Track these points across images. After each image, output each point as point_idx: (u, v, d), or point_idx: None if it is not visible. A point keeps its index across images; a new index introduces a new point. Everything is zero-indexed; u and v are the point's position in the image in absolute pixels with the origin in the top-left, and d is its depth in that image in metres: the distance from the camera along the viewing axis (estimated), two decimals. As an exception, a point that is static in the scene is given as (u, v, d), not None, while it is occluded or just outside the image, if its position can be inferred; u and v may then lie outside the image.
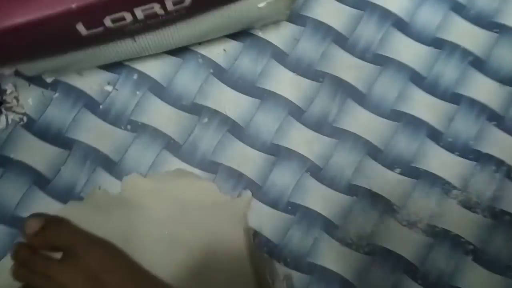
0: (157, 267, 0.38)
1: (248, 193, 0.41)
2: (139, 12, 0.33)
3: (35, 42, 0.33)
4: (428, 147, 0.43)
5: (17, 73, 0.38)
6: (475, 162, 0.43)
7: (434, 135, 0.43)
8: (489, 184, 0.42)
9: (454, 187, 0.42)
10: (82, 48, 0.36)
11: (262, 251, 0.40)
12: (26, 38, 0.32)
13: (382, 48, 0.44)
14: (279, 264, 0.40)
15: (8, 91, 0.41)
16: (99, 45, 0.36)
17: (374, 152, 0.42)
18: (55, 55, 0.36)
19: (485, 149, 0.43)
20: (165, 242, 0.39)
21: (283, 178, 0.42)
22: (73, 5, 0.30)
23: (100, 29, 0.33)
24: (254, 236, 0.40)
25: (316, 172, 0.42)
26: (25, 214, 0.40)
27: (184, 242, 0.39)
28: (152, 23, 0.35)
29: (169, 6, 0.34)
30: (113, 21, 0.33)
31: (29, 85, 0.42)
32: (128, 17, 0.33)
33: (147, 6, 0.33)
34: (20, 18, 0.30)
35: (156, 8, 0.33)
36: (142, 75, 0.42)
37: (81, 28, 0.33)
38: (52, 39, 0.33)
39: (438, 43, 0.44)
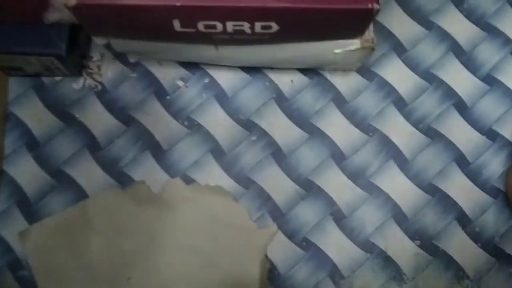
0: (172, 272, 0.41)
1: (274, 227, 0.43)
2: (230, 26, 0.37)
3: (133, 24, 0.37)
4: (454, 229, 0.43)
5: (107, 46, 0.42)
6: (495, 259, 0.43)
7: (463, 220, 0.44)
8: (505, 284, 0.42)
9: (467, 277, 0.42)
10: (170, 41, 0.40)
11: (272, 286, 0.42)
12: (127, 18, 0.36)
13: (437, 123, 0.46)
14: (279, 291, 0.42)
15: (94, 59, 0.45)
16: (185, 43, 0.40)
17: (400, 218, 0.43)
18: (146, 40, 0.40)
19: (509, 250, 0.43)
20: (187, 250, 0.41)
21: (306, 213, 0.43)
22: (178, 3, 0.34)
23: (192, 29, 0.37)
24: (269, 270, 0.42)
25: (340, 218, 0.43)
26: (69, 170, 0.44)
27: (204, 255, 0.41)
28: (237, 39, 0.39)
29: (257, 28, 0.37)
30: (206, 26, 0.37)
31: (114, 59, 0.46)
32: (219, 27, 0.37)
33: (238, 23, 0.36)
34: (129, 1, 0.34)
35: (246, 27, 0.37)
36: (212, 81, 0.46)
37: (176, 24, 0.36)
38: (149, 26, 0.37)
39: (492, 135, 0.45)
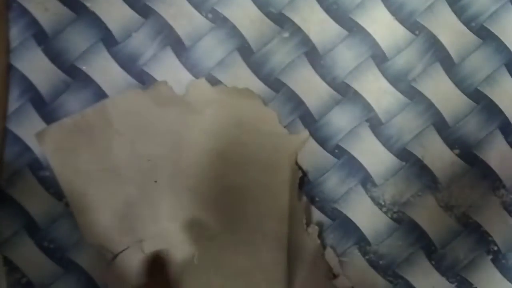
0: (197, 176, 0.38)
1: (305, 133, 0.40)
2: None
3: None
4: (496, 139, 0.41)
5: None
6: (534, 170, 0.41)
7: (506, 129, 0.41)
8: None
9: (503, 186, 0.41)
10: None
11: (303, 194, 0.40)
12: None
13: (491, 22, 0.41)
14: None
15: None
16: None
17: (440, 125, 0.41)
18: None
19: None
20: (213, 155, 0.39)
21: (340, 119, 0.41)
22: None
23: None
24: (300, 177, 0.40)
25: (376, 125, 0.41)
26: (84, 67, 0.40)
27: (231, 160, 0.39)
28: None
29: None
30: None
31: None
32: None
33: None
34: None
35: None
36: (239, -34, 0.40)
37: None
38: None
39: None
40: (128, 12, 0.40)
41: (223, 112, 0.40)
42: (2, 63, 0.39)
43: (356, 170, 0.41)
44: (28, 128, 0.40)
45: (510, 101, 0.41)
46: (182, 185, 0.39)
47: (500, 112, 0.41)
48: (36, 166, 0.40)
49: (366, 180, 0.41)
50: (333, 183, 0.41)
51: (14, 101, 0.40)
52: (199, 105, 0.40)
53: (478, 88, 0.41)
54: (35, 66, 0.40)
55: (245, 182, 0.40)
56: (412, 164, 0.41)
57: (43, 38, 0.40)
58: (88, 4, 0.40)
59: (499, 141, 0.41)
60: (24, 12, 0.40)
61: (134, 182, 0.39)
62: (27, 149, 0.40)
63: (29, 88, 0.40)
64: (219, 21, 0.40)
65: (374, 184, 0.41)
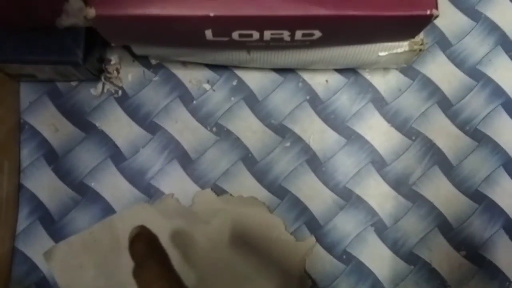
0: (206, 287, 0.38)
1: (312, 239, 0.40)
2: (268, 34, 0.33)
3: (158, 33, 0.33)
4: (501, 239, 0.41)
5: (127, 48, 0.39)
6: (544, 269, 0.41)
7: (511, 228, 0.41)
8: (552, 296, 0.41)
9: (514, 286, 0.41)
10: (199, 47, 0.36)
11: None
12: (152, 28, 0.32)
13: (484, 125, 0.42)
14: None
15: (112, 62, 0.41)
16: (215, 49, 0.36)
17: (445, 228, 0.41)
18: (172, 47, 0.37)
19: (558, 259, 0.41)
20: (220, 265, 0.39)
21: (346, 224, 0.41)
22: (211, 14, 0.30)
23: (225, 39, 0.33)
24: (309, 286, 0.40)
25: (381, 229, 0.41)
26: (93, 184, 0.41)
27: (237, 270, 0.39)
28: (274, 45, 0.35)
29: (298, 36, 0.33)
30: (240, 35, 0.33)
31: (133, 61, 0.42)
32: (256, 35, 0.33)
33: (277, 31, 0.32)
34: (158, 10, 0.30)
35: (285, 35, 0.33)
36: (241, 83, 0.42)
37: (208, 33, 0.32)
38: (177, 35, 0.33)
39: (544, 137, 0.42)
40: (135, 129, 0.41)
41: (230, 221, 0.41)
42: (13, 183, 0.40)
43: (365, 276, 0.40)
44: (36, 247, 0.40)
45: (511, 200, 0.42)
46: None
47: (502, 211, 0.41)
48: (44, 285, 0.40)
49: (376, 287, 0.40)
50: (342, 290, 0.40)
51: (23, 220, 0.40)
52: (206, 215, 0.41)
53: (478, 189, 0.42)
54: (45, 185, 0.41)
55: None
56: (420, 267, 0.41)
57: (53, 158, 0.41)
58: (97, 124, 0.41)
59: (505, 241, 0.41)
60: (36, 133, 0.41)
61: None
62: (35, 268, 0.40)
63: (38, 207, 0.40)
64: (223, 134, 0.42)
65: (384, 290, 0.40)
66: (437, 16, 0.31)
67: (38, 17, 0.34)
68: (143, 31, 0.33)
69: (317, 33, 0.33)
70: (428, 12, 0.30)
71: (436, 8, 0.31)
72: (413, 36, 0.35)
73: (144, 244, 0.28)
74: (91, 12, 0.30)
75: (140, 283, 0.26)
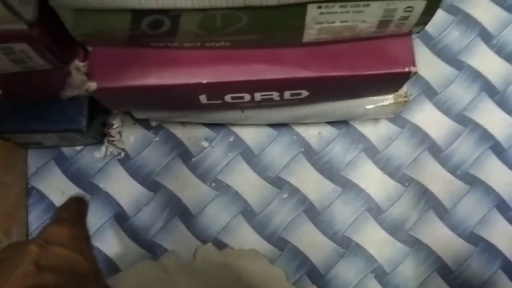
0: None
1: None
2: (258, 96, 0.35)
3: (156, 100, 0.36)
4: (500, 279, 0.42)
5: (128, 113, 0.41)
6: (546, 309, 0.41)
7: (509, 269, 0.42)
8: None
9: (518, 328, 0.41)
10: (195, 110, 0.38)
11: None
12: (150, 96, 0.35)
13: (475, 168, 0.44)
14: None
15: (114, 126, 0.44)
16: (211, 111, 0.39)
17: (444, 271, 0.42)
18: (169, 111, 0.39)
19: (560, 299, 0.41)
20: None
21: (347, 272, 0.42)
22: (204, 81, 0.32)
23: (219, 101, 0.35)
24: None
25: (381, 275, 0.42)
26: (99, 244, 0.42)
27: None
28: (265, 104, 0.37)
29: (286, 96, 0.35)
30: (233, 98, 0.35)
31: (134, 124, 0.44)
32: (247, 97, 0.35)
33: (267, 93, 0.35)
34: (155, 80, 0.33)
35: (275, 95, 0.35)
36: (237, 139, 0.44)
37: (203, 98, 0.35)
38: (174, 100, 0.36)
39: (534, 177, 0.43)
40: (138, 189, 0.43)
41: (231, 274, 0.41)
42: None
43: (368, 324, 0.41)
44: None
45: (507, 241, 0.42)
46: None
47: (499, 252, 0.42)
48: None
49: (380, 334, 0.41)
50: None
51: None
52: (207, 269, 0.42)
53: (474, 231, 0.42)
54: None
55: None
56: (422, 313, 0.41)
57: (59, 219, 0.43)
58: (101, 185, 0.43)
59: (504, 281, 0.42)
60: (43, 197, 0.43)
61: None
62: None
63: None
64: (223, 188, 0.43)
65: (388, 338, 0.41)
66: (415, 73, 0.33)
67: (44, 90, 0.37)
68: (142, 99, 0.35)
69: (304, 92, 0.35)
70: (407, 69, 0.33)
71: (414, 65, 0.33)
72: (395, 90, 0.37)
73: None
74: (93, 85, 0.32)
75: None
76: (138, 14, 0.28)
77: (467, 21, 0.46)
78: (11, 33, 0.28)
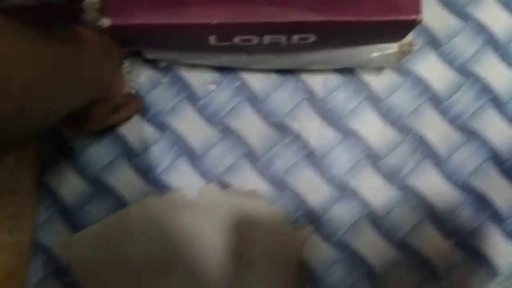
0: (211, 275, 0.41)
1: (309, 229, 0.43)
2: (267, 38, 0.36)
3: (166, 39, 0.37)
4: (489, 229, 0.44)
5: (136, 52, 0.42)
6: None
7: (498, 218, 0.44)
8: (537, 281, 0.43)
9: (501, 274, 0.43)
10: (204, 51, 0.39)
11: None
12: (160, 35, 0.36)
13: (473, 120, 0.45)
14: (317, 292, 0.43)
15: (125, 65, 0.44)
16: (219, 53, 0.39)
17: (435, 217, 0.44)
18: (178, 50, 0.40)
19: (543, 247, 0.43)
20: (226, 254, 0.42)
21: (342, 215, 0.44)
22: (214, 21, 0.33)
23: (227, 43, 0.36)
24: (308, 274, 0.43)
25: (375, 219, 0.44)
26: (108, 178, 0.44)
27: (242, 258, 0.42)
28: (272, 48, 0.38)
29: (294, 39, 0.36)
30: (242, 40, 0.36)
31: (143, 64, 0.45)
32: (255, 40, 0.36)
33: (275, 36, 0.35)
34: (166, 19, 0.33)
35: (283, 39, 0.36)
36: (244, 84, 0.45)
37: (212, 39, 0.36)
38: (184, 40, 0.37)
39: (530, 132, 0.45)
40: (146, 128, 0.45)
41: (233, 213, 0.44)
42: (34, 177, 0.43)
43: (360, 264, 0.43)
44: (54, 238, 0.43)
45: (498, 192, 0.44)
46: (196, 281, 0.42)
47: (490, 202, 0.44)
48: (62, 273, 0.43)
49: (370, 273, 0.43)
50: (338, 277, 0.43)
51: (43, 213, 0.44)
52: (211, 208, 0.44)
53: (466, 181, 0.44)
54: (64, 180, 0.44)
55: (255, 278, 0.42)
56: (411, 255, 0.43)
57: (71, 157, 0.44)
58: (110, 123, 0.45)
59: (491, 230, 0.44)
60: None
61: (152, 284, 0.42)
62: (53, 258, 0.43)
63: (57, 201, 0.44)
64: (227, 131, 0.45)
65: (378, 276, 0.43)
66: (420, 21, 0.34)
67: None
68: (153, 37, 0.36)
69: (312, 37, 0.36)
70: (412, 17, 0.33)
71: (420, 13, 0.33)
72: (401, 38, 0.38)
73: None
74: (106, 21, 0.33)
75: None
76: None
77: (478, -26, 0.46)
78: (27, -35, 0.29)
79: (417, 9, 0.33)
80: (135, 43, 0.38)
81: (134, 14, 0.33)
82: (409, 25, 0.34)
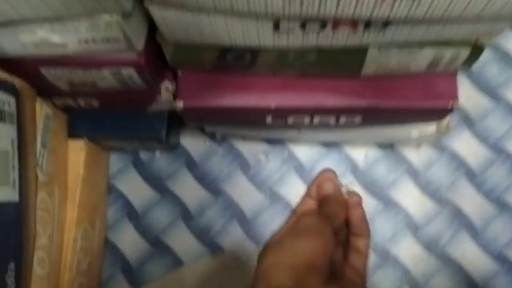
0: None
1: None
2: (317, 119, 0.40)
3: (229, 119, 0.42)
4: (527, 299, 0.45)
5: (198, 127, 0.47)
6: None
7: (536, 289, 0.45)
8: None
9: None
10: (258, 128, 0.44)
11: None
12: (225, 116, 0.41)
13: (507, 193, 0.48)
14: None
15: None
16: (273, 129, 0.44)
17: (472, 286, 0.46)
18: (237, 128, 0.45)
19: None
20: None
21: (383, 283, 0.46)
22: (272, 106, 0.38)
23: (281, 122, 0.41)
24: None
25: (415, 287, 0.46)
26: (166, 240, 0.48)
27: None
28: (321, 126, 0.42)
29: (341, 121, 0.40)
30: (294, 120, 0.41)
31: (201, 135, 0.50)
32: (307, 120, 0.41)
33: (324, 117, 0.40)
34: (232, 102, 0.39)
35: (331, 120, 0.40)
36: (291, 154, 0.50)
37: (269, 119, 0.40)
38: (244, 119, 0.42)
39: None
40: (202, 193, 0.49)
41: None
42: (101, 237, 0.48)
43: (401, 329, 0.45)
44: (117, 292, 0.47)
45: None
46: None
47: (527, 273, 0.46)
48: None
49: (412, 339, 0.45)
50: None
51: (107, 270, 0.48)
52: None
53: (502, 251, 0.46)
54: (126, 239, 0.49)
55: None
56: (452, 323, 0.45)
57: (134, 216, 0.49)
58: (171, 188, 0.49)
59: (530, 301, 0.45)
60: (121, 195, 0.50)
61: None
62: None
63: (120, 259, 0.48)
64: (276, 198, 0.49)
65: None
66: (457, 107, 0.38)
67: (134, 104, 0.44)
68: (218, 117, 0.41)
69: (358, 118, 0.40)
70: (450, 105, 0.37)
71: (457, 100, 0.37)
72: (439, 120, 0.42)
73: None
74: (180, 104, 0.39)
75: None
76: (226, 49, 0.34)
77: (506, 58, 0.51)
78: (123, 60, 0.35)
79: (454, 95, 0.37)
80: (201, 122, 0.44)
81: (204, 98, 0.39)
82: (447, 111, 0.38)
